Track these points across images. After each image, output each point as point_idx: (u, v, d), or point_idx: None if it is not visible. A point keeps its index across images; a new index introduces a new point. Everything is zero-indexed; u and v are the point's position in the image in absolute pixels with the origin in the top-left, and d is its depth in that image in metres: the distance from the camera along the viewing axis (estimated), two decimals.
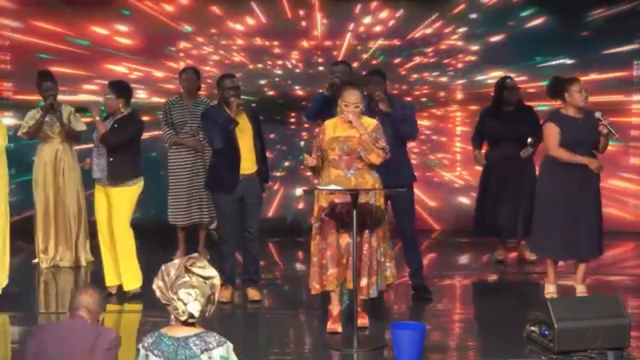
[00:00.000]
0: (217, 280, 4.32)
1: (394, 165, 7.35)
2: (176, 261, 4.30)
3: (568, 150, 7.26)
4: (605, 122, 7.20)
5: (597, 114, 7.25)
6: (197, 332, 4.29)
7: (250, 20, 10.23)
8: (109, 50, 10.21)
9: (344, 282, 6.76)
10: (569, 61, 10.07)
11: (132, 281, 7.74)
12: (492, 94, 8.81)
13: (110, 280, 7.80)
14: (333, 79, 7.63)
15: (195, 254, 4.42)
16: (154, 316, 7.15)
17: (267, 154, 8.00)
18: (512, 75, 9.08)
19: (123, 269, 7.78)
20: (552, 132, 7.34)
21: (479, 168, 9.09)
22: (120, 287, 7.78)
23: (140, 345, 4.31)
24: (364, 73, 9.48)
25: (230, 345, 4.29)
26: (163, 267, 4.26)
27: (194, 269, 4.27)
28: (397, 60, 10.20)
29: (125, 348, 4.87)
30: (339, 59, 9.94)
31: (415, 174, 7.90)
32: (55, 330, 4.64)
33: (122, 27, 10.23)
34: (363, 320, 6.76)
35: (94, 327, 4.63)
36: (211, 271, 4.32)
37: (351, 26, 10.24)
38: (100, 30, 10.20)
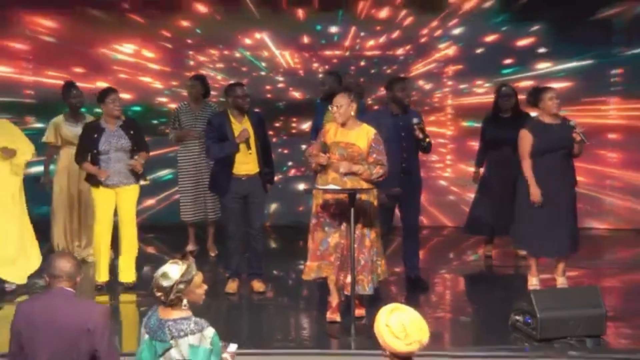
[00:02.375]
0: (192, 273, 4.30)
1: (413, 169, 7.56)
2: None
3: (542, 155, 7.30)
4: (579, 130, 7.23)
5: (572, 122, 7.31)
6: (178, 317, 4.26)
7: (257, 35, 10.26)
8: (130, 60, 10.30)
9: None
10: (549, 70, 10.07)
11: (132, 274, 7.78)
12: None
13: (105, 276, 7.79)
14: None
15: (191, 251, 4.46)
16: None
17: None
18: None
19: (128, 263, 7.79)
20: (524, 140, 7.39)
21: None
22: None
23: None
24: (361, 80, 9.64)
25: (209, 332, 4.24)
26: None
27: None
28: (390, 70, 10.19)
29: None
30: (338, 67, 10.03)
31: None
32: (42, 306, 4.50)
33: (145, 42, 10.30)
34: (360, 311, 6.78)
35: (82, 303, 4.58)
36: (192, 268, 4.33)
37: (349, 37, 10.25)
38: (127, 45, 10.27)
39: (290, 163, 10.30)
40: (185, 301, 4.30)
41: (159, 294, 4.26)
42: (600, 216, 10.12)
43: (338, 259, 6.67)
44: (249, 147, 7.50)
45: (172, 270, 4.28)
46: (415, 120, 7.48)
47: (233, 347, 4.52)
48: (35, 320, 4.42)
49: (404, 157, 7.53)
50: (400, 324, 3.99)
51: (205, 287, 4.40)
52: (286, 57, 10.32)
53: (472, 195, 9.61)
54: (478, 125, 9.49)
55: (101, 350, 4.44)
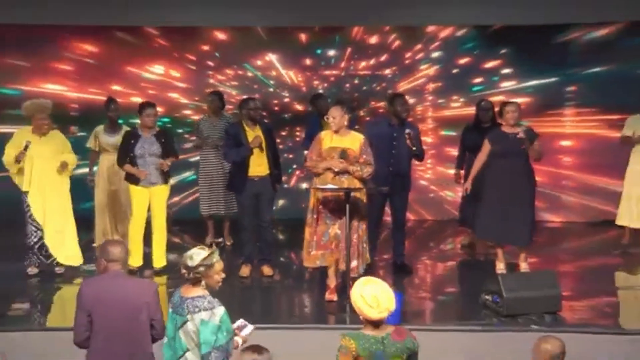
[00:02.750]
0: (214, 257, 4.40)
1: (403, 172, 7.56)
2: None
3: (501, 159, 7.35)
4: (521, 135, 7.23)
5: (518, 129, 7.31)
6: (195, 295, 4.33)
7: (266, 57, 10.27)
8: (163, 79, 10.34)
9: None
10: (514, 87, 10.09)
11: (163, 260, 7.79)
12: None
13: (139, 262, 7.76)
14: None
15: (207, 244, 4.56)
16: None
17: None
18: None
19: (159, 251, 7.79)
20: (483, 146, 7.49)
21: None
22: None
23: None
24: (355, 95, 9.64)
25: (218, 311, 4.28)
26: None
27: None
28: (379, 87, 10.22)
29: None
30: (335, 84, 10.06)
31: None
32: (107, 285, 4.55)
33: (171, 64, 10.33)
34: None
35: (138, 281, 4.76)
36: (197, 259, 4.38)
37: (344, 59, 10.27)
38: (156, 66, 10.29)
39: (294, 166, 10.31)
40: (203, 282, 4.36)
41: (183, 271, 4.37)
42: (557, 211, 10.14)
43: (337, 246, 6.71)
44: (262, 150, 7.53)
45: (198, 254, 4.36)
46: (407, 130, 7.49)
47: (247, 330, 4.54)
48: (102, 298, 4.48)
49: (394, 162, 7.55)
50: (372, 295, 4.09)
51: (223, 275, 4.46)
52: (291, 76, 10.34)
53: (449, 194, 9.65)
54: (454, 133, 9.57)
55: (156, 319, 4.55)
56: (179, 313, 4.34)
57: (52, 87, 10.07)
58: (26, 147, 7.38)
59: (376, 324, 4.14)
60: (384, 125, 7.67)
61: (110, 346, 4.48)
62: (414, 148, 7.53)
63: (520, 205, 7.42)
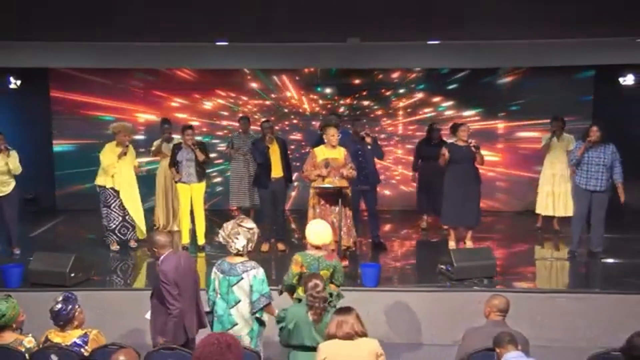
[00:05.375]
0: (255, 229, 4.48)
1: (369, 173, 7.51)
2: (231, 221, 4.47)
3: (456, 164, 7.33)
4: (472, 146, 7.27)
5: (470, 141, 7.32)
6: (242, 260, 4.42)
7: (281, 92, 10.24)
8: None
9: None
10: (454, 115, 10.06)
11: (202, 239, 7.78)
12: (426, 132, 8.93)
13: (187, 240, 7.80)
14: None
15: (243, 216, 4.59)
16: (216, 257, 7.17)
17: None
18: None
19: (201, 232, 7.77)
20: (444, 153, 7.44)
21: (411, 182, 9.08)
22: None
23: (214, 267, 4.51)
24: (345, 118, 9.59)
25: (261, 270, 4.42)
26: (224, 224, 4.47)
27: (242, 224, 4.44)
28: (361, 113, 10.21)
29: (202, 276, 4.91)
30: (330, 110, 10.00)
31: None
32: (177, 260, 4.54)
33: (214, 97, 10.25)
34: (345, 262, 6.79)
35: (182, 254, 4.74)
36: (251, 224, 4.48)
37: (337, 93, 10.26)
38: (205, 99, 10.23)
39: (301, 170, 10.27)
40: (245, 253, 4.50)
41: (245, 246, 4.49)
42: (492, 203, 10.11)
43: (333, 229, 6.67)
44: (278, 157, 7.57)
45: (241, 240, 4.45)
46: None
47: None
48: (179, 271, 4.50)
49: (363, 167, 7.50)
50: (316, 231, 4.72)
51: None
52: (298, 104, 10.29)
53: (412, 190, 9.60)
54: (411, 146, 9.61)
55: (197, 280, 4.69)
56: (233, 274, 4.39)
57: (127, 115, 10.04)
58: (125, 153, 7.52)
59: (317, 248, 4.67)
60: (351, 141, 7.59)
61: (189, 301, 4.54)
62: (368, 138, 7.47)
63: (471, 198, 7.43)
